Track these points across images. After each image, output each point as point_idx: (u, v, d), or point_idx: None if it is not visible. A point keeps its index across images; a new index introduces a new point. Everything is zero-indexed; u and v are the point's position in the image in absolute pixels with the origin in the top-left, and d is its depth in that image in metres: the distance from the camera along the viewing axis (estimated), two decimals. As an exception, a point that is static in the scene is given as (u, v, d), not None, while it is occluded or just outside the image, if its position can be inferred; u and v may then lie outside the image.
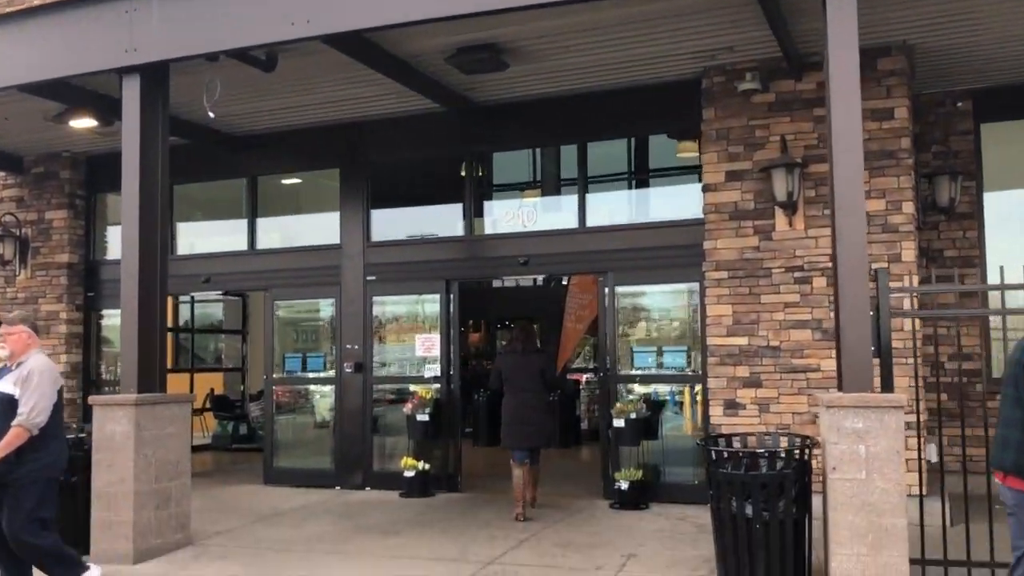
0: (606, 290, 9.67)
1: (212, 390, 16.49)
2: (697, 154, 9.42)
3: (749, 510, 5.85)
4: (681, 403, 9.59)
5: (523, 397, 8.71)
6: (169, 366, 10.13)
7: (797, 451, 6.05)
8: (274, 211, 11.87)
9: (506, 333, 18.41)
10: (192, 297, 16.39)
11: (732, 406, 8.78)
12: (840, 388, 5.89)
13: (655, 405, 9.35)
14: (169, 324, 12.20)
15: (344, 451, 10.66)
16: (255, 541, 7.95)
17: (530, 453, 8.73)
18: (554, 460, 11.66)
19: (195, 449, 10.36)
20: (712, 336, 8.87)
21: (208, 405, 16.12)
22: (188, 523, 7.79)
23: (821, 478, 5.82)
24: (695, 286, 9.29)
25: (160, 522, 7.41)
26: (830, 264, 6.98)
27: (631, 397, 9.32)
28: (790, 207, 8.47)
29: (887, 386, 5.87)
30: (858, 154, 5.98)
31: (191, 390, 14.87)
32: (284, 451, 11.22)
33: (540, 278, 15.77)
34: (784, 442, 6.32)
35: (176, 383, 11.40)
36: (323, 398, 11.14)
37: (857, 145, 5.97)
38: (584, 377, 16.34)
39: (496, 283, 16.14)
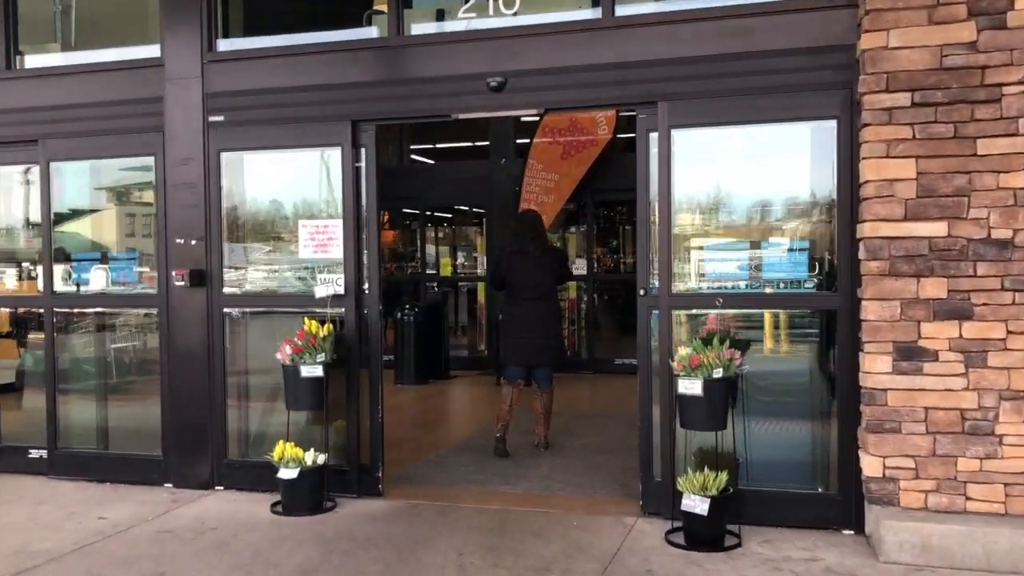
0: (651, 139, 5.23)
1: None
2: None
3: None
4: (798, 348, 5.32)
5: (530, 307, 6.95)
6: None
7: None
8: (45, 6, 6.93)
9: (459, 233, 13.89)
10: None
11: (910, 355, 4.55)
12: None
13: (742, 350, 5.01)
14: None
15: (177, 425, 6.12)
16: None
17: (534, 373, 7.11)
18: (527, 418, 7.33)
19: None
20: (872, 221, 4.59)
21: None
22: None
23: None
24: (829, 126, 4.94)
25: None
26: None
27: (702, 340, 4.94)
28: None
29: None
30: None
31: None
32: (77, 422, 6.60)
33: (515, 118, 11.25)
34: None
35: None
36: (138, 332, 6.52)
37: None
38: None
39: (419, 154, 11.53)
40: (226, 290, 6.04)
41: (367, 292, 5.81)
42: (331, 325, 5.56)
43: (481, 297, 12.60)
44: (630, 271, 13.90)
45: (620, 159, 11.76)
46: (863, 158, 4.65)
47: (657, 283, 5.18)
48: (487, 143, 12.41)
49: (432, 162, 15.44)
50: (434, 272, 13.17)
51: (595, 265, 12.11)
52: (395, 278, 13.70)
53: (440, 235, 14.07)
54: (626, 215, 12.63)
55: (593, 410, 8.93)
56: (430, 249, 13.85)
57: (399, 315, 10.94)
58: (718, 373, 4.67)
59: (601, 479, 6.15)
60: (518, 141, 11.99)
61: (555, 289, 7.18)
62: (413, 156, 15.53)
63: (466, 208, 13.88)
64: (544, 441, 7.12)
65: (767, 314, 5.29)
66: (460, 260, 14.86)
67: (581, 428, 7.93)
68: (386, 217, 15.49)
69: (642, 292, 5.26)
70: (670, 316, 5.16)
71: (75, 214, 6.72)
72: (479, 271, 13.02)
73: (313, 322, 5.52)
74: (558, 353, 7.23)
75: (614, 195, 12.28)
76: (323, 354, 5.43)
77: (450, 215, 14.26)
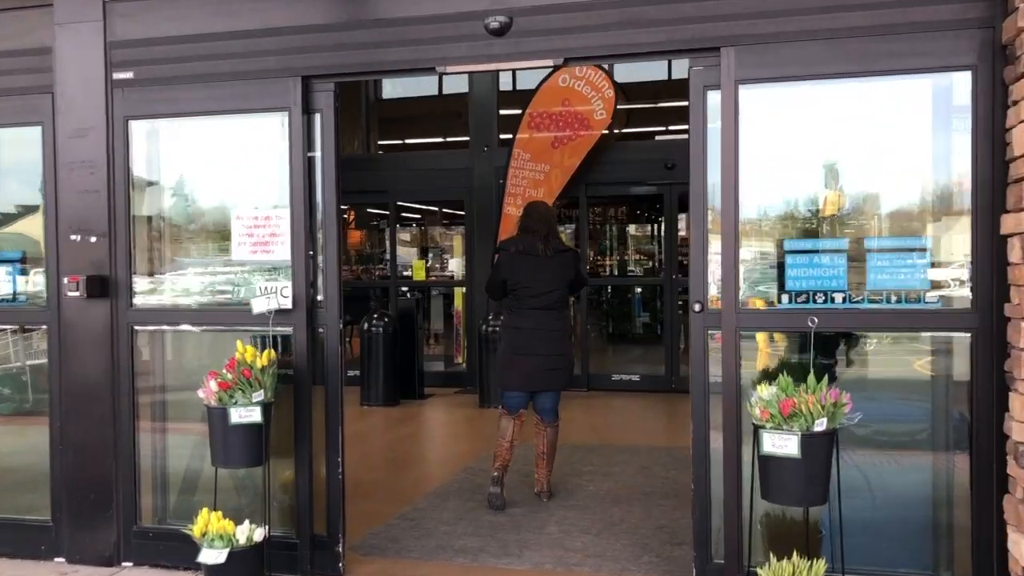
0: (709, 102, 3.87)
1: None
2: None
3: None
4: (910, 383, 3.96)
5: (539, 318, 5.59)
6: None
7: None
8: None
9: (435, 232, 12.47)
10: None
11: (1088, 398, 3.20)
12: None
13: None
14: None
15: (72, 481, 4.62)
16: None
17: (537, 401, 5.69)
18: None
19: None
20: (1040, 209, 3.23)
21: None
22: None
23: None
24: (959, 80, 3.59)
25: None
26: None
27: (783, 371, 3.57)
28: None
29: None
30: None
31: None
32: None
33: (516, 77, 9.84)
34: None
35: None
36: (23, 356, 5.02)
37: None
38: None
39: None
40: (137, 302, 4.58)
41: (323, 306, 4.37)
42: (272, 351, 4.11)
43: (459, 304, 11.16)
44: (629, 274, 12.81)
45: (619, 149, 10.45)
46: (1015, 124, 3.30)
47: (719, 295, 3.80)
48: (466, 138, 10.96)
49: (401, 143, 14.02)
50: (406, 276, 11.72)
51: (607, 269, 10.78)
52: (362, 283, 12.26)
53: (413, 235, 12.62)
54: (625, 213, 11.31)
55: (595, 439, 7.55)
56: (402, 250, 12.39)
57: (366, 326, 9.48)
58: (821, 425, 3.29)
59: (627, 545, 4.76)
60: (503, 119, 10.57)
61: (567, 298, 5.82)
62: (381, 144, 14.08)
63: (443, 204, 12.45)
64: (547, 488, 5.72)
65: (866, 336, 3.92)
66: (435, 262, 13.49)
67: (585, 465, 6.54)
68: (351, 216, 14.11)
69: (697, 307, 3.87)
70: (738, 340, 3.77)
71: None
72: (457, 274, 11.59)
73: (249, 348, 4.06)
74: (570, 376, 5.85)
75: (612, 189, 10.95)
76: (262, 391, 3.98)
77: (424, 212, 12.83)
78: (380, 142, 14.40)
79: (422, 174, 11.05)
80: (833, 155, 3.82)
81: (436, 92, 13.71)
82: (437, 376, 10.69)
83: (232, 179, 4.60)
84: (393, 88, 14.58)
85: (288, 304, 4.26)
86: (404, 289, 11.22)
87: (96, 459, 4.56)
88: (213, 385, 3.97)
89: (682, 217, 10.32)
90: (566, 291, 5.68)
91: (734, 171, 3.76)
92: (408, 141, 14.78)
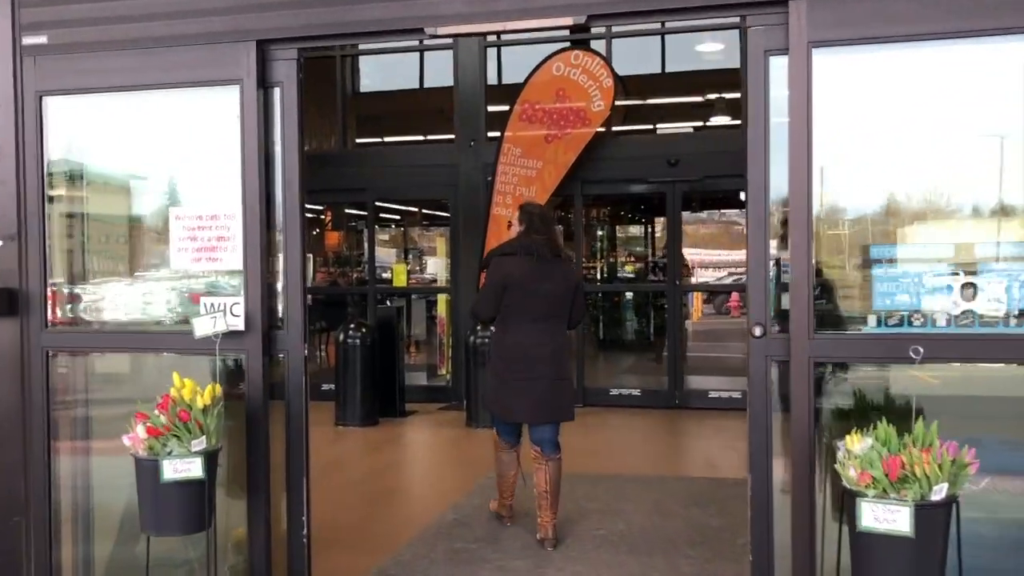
0: (771, 72, 3.05)
1: None
2: None
3: None
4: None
5: (540, 334, 4.78)
6: None
7: None
8: None
9: (417, 234, 11.62)
10: None
11: None
12: None
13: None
14: None
15: (-26, 541, 3.75)
16: None
17: (536, 432, 4.87)
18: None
19: None
20: None
21: None
22: None
23: None
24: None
25: None
26: None
27: (876, 416, 2.76)
28: None
29: None
30: None
31: None
32: None
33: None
34: None
35: None
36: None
37: None
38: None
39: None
40: (54, 321, 3.71)
41: (284, 326, 3.52)
42: (218, 386, 3.25)
43: (443, 310, 10.31)
44: (627, 278, 12.03)
45: (618, 144, 9.64)
46: None
47: (789, 315, 2.98)
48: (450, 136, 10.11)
49: (381, 140, 13.18)
50: (387, 281, 10.87)
51: (603, 272, 9.97)
52: (337, 288, 11.39)
53: (393, 236, 11.78)
54: (624, 212, 10.51)
55: (598, 467, 6.73)
56: (382, 251, 11.55)
57: (342, 337, 8.62)
58: (940, 492, 2.49)
59: (655, 614, 3.94)
60: (491, 115, 9.74)
61: (567, 313, 4.99)
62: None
63: (426, 203, 11.60)
64: (551, 535, 4.86)
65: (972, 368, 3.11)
66: (417, 266, 12.68)
67: (591, 501, 5.71)
68: (328, 216, 13.27)
69: (758, 331, 3.05)
70: (811, 373, 2.95)
71: None
72: (441, 279, 10.74)
73: (187, 382, 3.20)
74: (573, 403, 5.05)
75: (610, 188, 10.14)
76: (203, 438, 3.12)
77: (405, 213, 11.98)
78: (359, 140, 13.60)
79: (403, 171, 10.20)
80: (929, 135, 3.02)
81: (418, 85, 12.91)
82: (419, 391, 9.84)
83: (172, 169, 3.73)
84: (372, 81, 13.76)
85: (239, 325, 3.40)
86: (382, 298, 10.36)
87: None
88: (141, 431, 3.11)
89: (686, 217, 9.54)
90: (568, 306, 4.90)
91: (806, 156, 2.95)
92: (388, 140, 13.99)
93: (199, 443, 3.09)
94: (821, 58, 2.97)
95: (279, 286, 3.57)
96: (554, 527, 4.88)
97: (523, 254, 4.80)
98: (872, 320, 2.95)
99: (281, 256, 3.57)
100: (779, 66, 3.06)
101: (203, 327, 3.33)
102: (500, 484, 5.13)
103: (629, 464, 6.85)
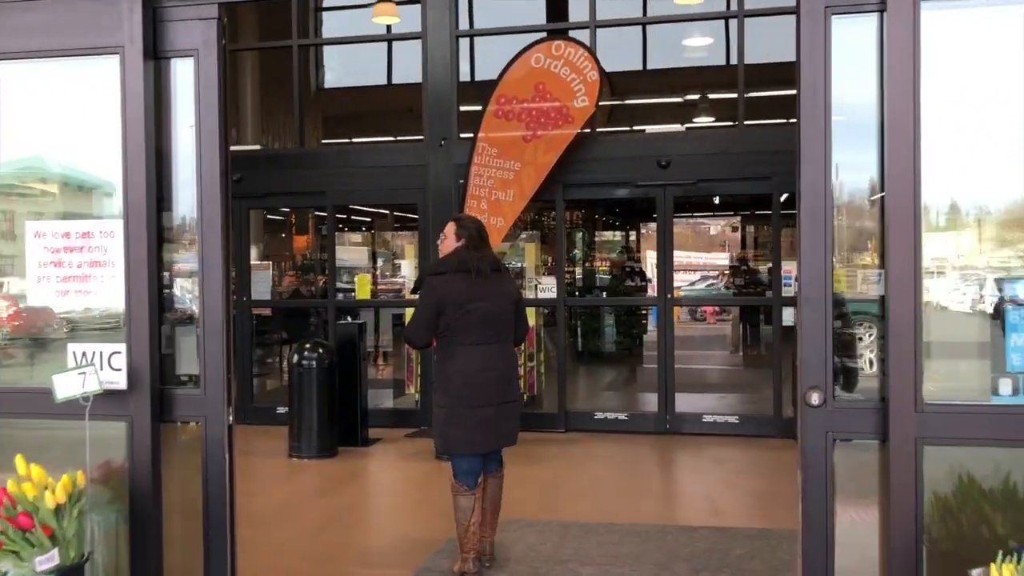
0: (833, 37, 2.17)
1: None
2: None
3: None
4: None
5: (490, 356, 4.47)
6: None
7: None
8: None
9: (382, 240, 10.72)
10: None
11: None
12: None
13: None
14: None
15: None
16: None
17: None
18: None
19: None
20: None
21: None
22: None
23: None
24: None
25: None
26: None
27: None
28: None
29: None
30: None
31: None
32: None
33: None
34: None
35: None
36: None
37: None
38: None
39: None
40: None
41: (195, 382, 2.60)
42: (80, 475, 2.32)
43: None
44: (610, 287, 11.17)
45: (604, 144, 8.78)
46: None
47: (883, 377, 2.12)
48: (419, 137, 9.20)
49: (345, 140, 12.29)
50: (348, 292, 9.94)
51: (581, 282, 9.07)
52: (291, 302, 10.46)
53: (356, 242, 10.84)
54: (609, 218, 9.65)
55: (588, 513, 5.85)
56: (343, 258, 10.62)
57: (296, 359, 7.67)
58: None
59: None
60: (464, 114, 8.84)
61: (511, 331, 4.64)
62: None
63: (393, 207, 10.67)
64: (490, 551, 4.71)
65: None
66: (385, 271, 11.79)
67: (584, 563, 4.82)
68: (293, 219, 12.38)
69: (815, 399, 2.18)
70: (920, 460, 2.08)
71: None
72: (408, 289, 9.82)
73: (34, 468, 2.27)
74: (518, 425, 4.74)
75: (595, 191, 9.28)
76: (55, 551, 2.19)
77: (373, 215, 11.05)
78: (324, 141, 12.71)
79: (368, 172, 9.25)
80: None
81: (385, 81, 12.06)
82: (384, 414, 8.92)
83: (40, 167, 2.80)
84: (337, 76, 12.93)
85: (120, 382, 2.48)
86: (341, 314, 9.43)
87: None
88: (-37, 542, 2.18)
89: (677, 222, 8.70)
90: (511, 322, 4.58)
91: (913, 144, 2.08)
92: (354, 140, 13.13)
93: (46, 560, 2.16)
94: (929, 13, 2.10)
95: (194, 327, 2.66)
96: (491, 544, 4.73)
97: (458, 271, 4.42)
98: (1006, 386, 2.08)
99: (196, 284, 2.65)
100: (846, 32, 2.20)
101: (67, 387, 2.40)
102: (460, 536, 4.57)
103: (623, 509, 5.97)
